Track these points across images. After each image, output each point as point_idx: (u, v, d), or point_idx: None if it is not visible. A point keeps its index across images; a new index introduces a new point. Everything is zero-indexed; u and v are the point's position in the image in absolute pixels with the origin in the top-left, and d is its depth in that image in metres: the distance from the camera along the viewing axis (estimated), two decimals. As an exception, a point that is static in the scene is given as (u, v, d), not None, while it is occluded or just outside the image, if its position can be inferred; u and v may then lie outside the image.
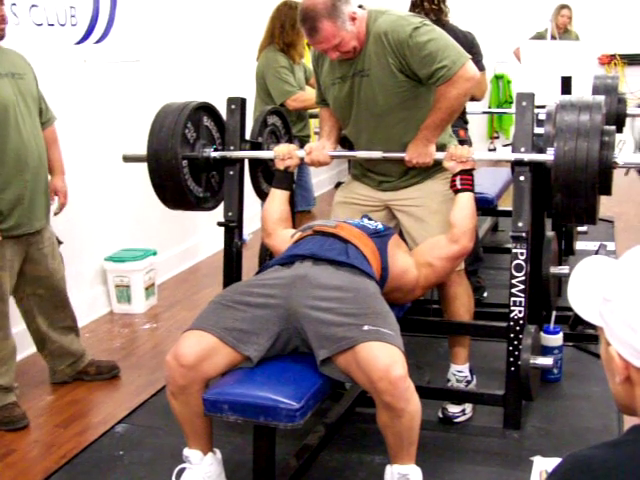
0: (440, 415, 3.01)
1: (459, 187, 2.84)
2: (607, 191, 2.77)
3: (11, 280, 3.12)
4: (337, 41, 2.72)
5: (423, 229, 2.96)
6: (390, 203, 3.07)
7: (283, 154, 3.00)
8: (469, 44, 3.89)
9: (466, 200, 2.83)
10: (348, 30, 2.72)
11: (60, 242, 3.39)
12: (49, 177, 3.28)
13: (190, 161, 3.01)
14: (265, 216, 2.97)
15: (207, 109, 3.12)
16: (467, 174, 2.84)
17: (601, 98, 2.79)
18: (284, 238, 2.84)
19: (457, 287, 3.05)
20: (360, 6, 2.82)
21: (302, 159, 3.03)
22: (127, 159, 3.23)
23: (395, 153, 2.91)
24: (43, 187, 3.17)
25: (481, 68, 3.97)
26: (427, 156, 2.86)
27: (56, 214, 3.39)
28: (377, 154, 2.94)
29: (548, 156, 2.78)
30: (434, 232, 2.90)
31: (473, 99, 4.14)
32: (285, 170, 3.01)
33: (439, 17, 3.89)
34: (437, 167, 2.96)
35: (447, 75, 2.69)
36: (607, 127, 2.74)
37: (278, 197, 3.00)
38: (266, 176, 3.27)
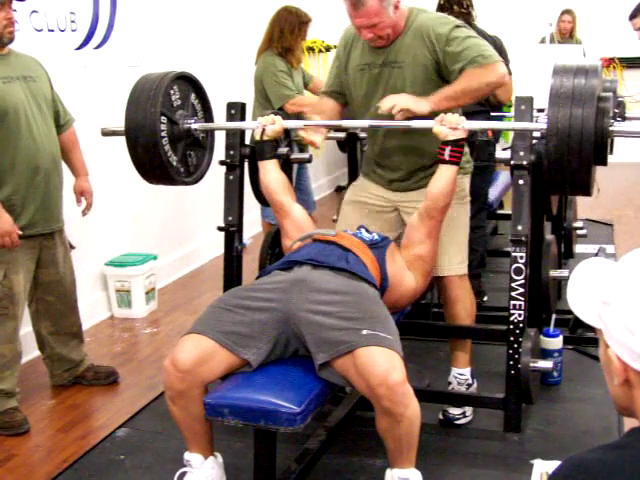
0: (440, 417, 3.01)
1: (446, 158, 2.71)
2: (603, 161, 2.64)
3: (26, 283, 3.14)
4: (377, 20, 2.76)
5: None
6: (399, 204, 3.07)
7: (266, 120, 2.93)
8: (498, 48, 3.91)
9: (450, 175, 2.71)
10: (389, 14, 2.78)
11: (72, 247, 3.41)
12: (75, 179, 3.38)
13: (169, 124, 2.96)
14: (270, 190, 2.88)
15: (198, 90, 3.14)
16: (457, 146, 2.72)
17: (598, 63, 2.69)
18: (299, 221, 2.80)
19: (459, 290, 3.05)
20: None
21: (285, 129, 2.98)
22: (106, 133, 3.19)
23: (383, 121, 2.88)
24: (56, 189, 3.20)
25: (509, 72, 4.00)
26: (410, 103, 2.74)
27: (84, 214, 3.46)
28: (364, 123, 2.93)
29: (541, 124, 2.70)
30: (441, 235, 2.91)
31: (500, 103, 4.16)
32: (262, 140, 2.91)
33: (468, 21, 3.88)
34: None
35: (482, 62, 2.74)
36: (604, 93, 2.64)
37: (271, 166, 2.91)
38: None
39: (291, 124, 3.05)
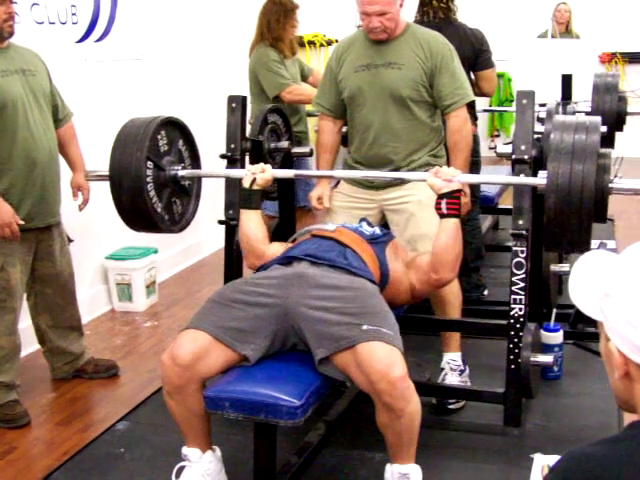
0: (434, 401, 3.03)
1: (445, 212, 2.61)
2: (602, 218, 2.56)
3: (23, 276, 3.14)
4: (388, 9, 2.94)
5: (411, 223, 3.04)
6: (383, 203, 3.14)
7: (256, 168, 2.83)
8: (479, 41, 3.92)
9: (451, 227, 2.61)
10: (397, 9, 2.98)
11: (70, 240, 3.40)
12: (72, 174, 3.35)
13: (155, 170, 2.84)
14: (249, 239, 2.76)
15: (186, 136, 3.02)
16: (454, 198, 2.61)
17: (597, 119, 2.61)
18: (278, 254, 2.72)
19: (446, 291, 3.06)
20: None
21: (275, 178, 2.89)
22: (90, 178, 3.19)
23: (375, 172, 3.04)
24: (54, 183, 3.19)
25: (491, 64, 4.03)
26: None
27: (81, 209, 3.43)
28: (357, 173, 3.08)
29: (540, 180, 2.61)
30: (422, 227, 2.98)
31: (484, 95, 4.19)
32: (250, 188, 2.78)
33: (448, 15, 3.90)
34: (427, 167, 3.04)
35: (461, 102, 3.07)
36: (603, 149, 2.55)
37: (253, 217, 2.77)
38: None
39: (280, 173, 3.01)
